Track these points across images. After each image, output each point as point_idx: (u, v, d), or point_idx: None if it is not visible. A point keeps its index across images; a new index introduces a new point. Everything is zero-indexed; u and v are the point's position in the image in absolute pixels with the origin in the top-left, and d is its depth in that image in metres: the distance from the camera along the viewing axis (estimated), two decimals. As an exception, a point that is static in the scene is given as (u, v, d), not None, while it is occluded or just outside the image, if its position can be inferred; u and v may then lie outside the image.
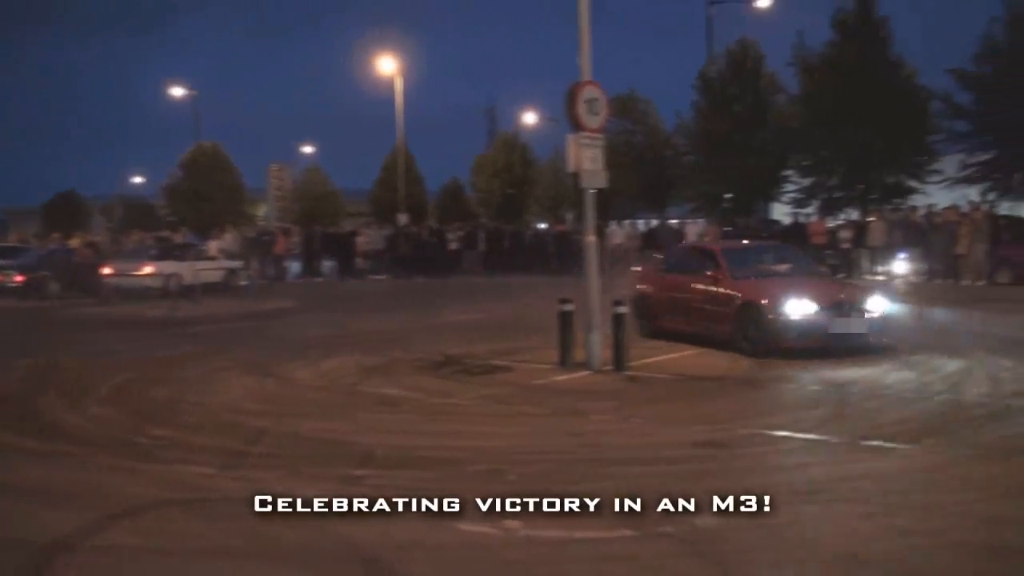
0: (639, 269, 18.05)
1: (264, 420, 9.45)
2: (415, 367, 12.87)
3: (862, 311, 13.17)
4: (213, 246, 32.52)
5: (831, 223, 32.67)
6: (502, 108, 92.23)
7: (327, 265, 36.76)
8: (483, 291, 26.33)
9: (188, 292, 25.17)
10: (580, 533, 5.78)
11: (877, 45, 34.66)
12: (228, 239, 34.28)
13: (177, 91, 54.41)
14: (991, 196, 31.57)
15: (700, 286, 14.38)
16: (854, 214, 34.17)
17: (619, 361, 11.92)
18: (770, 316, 12.91)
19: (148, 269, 27.20)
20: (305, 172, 60.49)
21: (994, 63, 32.53)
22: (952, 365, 12.00)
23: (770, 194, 39.44)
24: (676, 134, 42.69)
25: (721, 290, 13.93)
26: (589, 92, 12.10)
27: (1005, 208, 31.80)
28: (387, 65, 44.96)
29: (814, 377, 11.36)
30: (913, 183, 34.88)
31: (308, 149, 69.40)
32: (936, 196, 33.13)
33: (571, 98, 11.93)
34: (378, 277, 34.28)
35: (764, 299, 13.17)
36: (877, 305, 13.41)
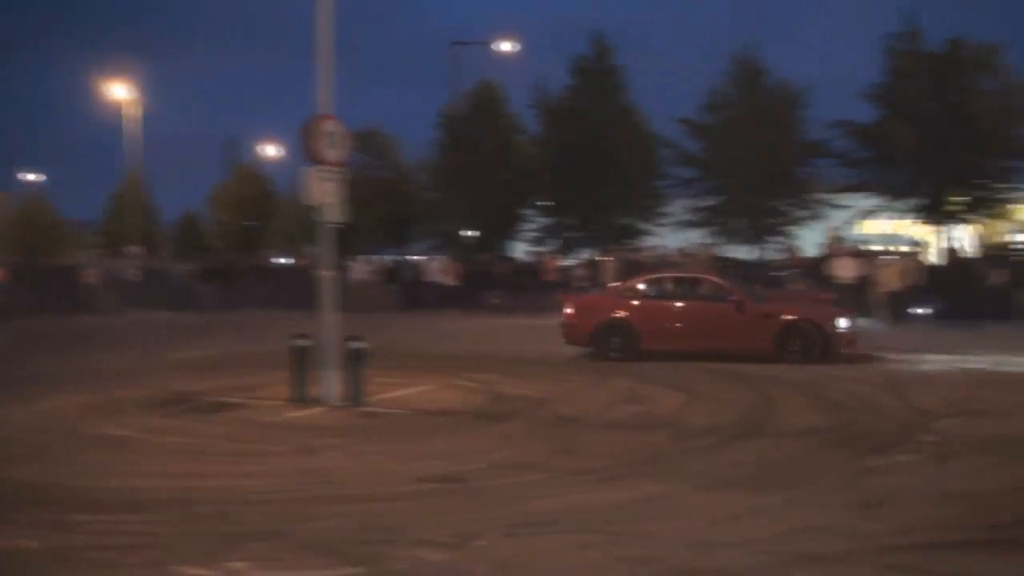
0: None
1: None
2: (142, 406, 12.32)
3: None
4: None
5: (568, 261, 33.65)
6: (244, 140, 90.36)
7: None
8: (220, 326, 25.61)
9: None
10: (310, 572, 5.70)
11: (612, 92, 36.21)
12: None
13: None
14: (715, 239, 33.41)
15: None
16: (590, 253, 35.41)
17: (355, 396, 11.84)
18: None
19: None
20: (26, 201, 57.33)
21: (718, 115, 34.63)
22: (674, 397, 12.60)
23: (510, 232, 40.29)
24: (418, 170, 42.97)
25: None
26: (328, 125, 12.01)
27: (728, 250, 33.80)
28: (118, 92, 43.24)
29: (549, 412, 11.65)
30: (645, 225, 36.57)
31: (31, 177, 65.63)
32: (666, 238, 34.85)
33: (309, 131, 11.82)
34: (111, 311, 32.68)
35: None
36: None
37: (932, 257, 28.22)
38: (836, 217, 33.50)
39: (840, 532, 6.44)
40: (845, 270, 22.34)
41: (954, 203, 32.25)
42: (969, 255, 25.90)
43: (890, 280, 22.27)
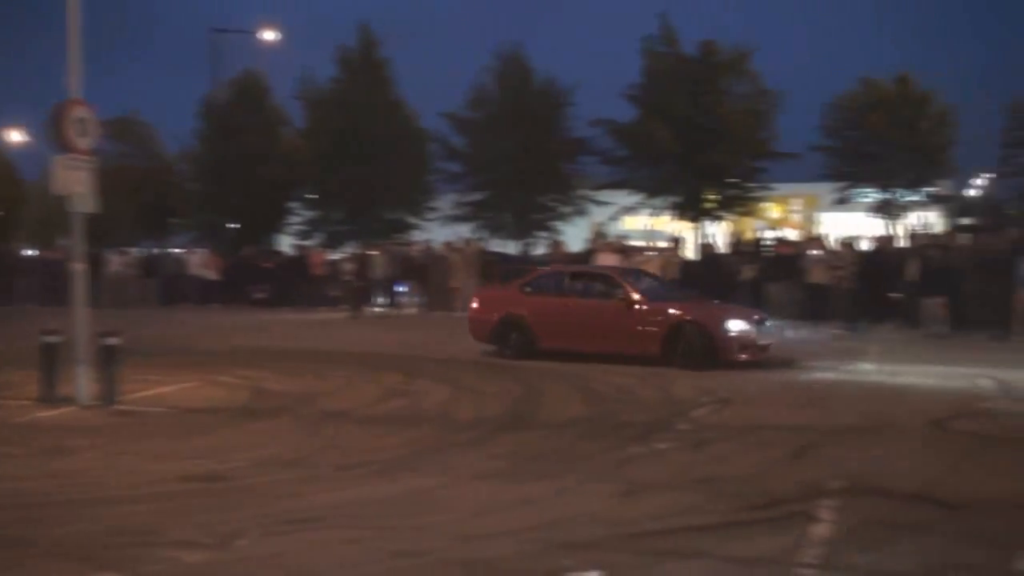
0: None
1: None
2: None
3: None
4: None
5: (335, 255, 33.31)
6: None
7: None
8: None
9: None
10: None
11: (379, 85, 36.05)
12: None
13: None
14: (481, 233, 33.83)
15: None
16: (356, 247, 35.16)
17: (109, 395, 11.32)
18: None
19: None
20: None
21: (483, 109, 35.07)
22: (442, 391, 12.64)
23: (276, 225, 39.50)
24: (179, 160, 41.61)
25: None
26: (78, 111, 11.43)
27: (494, 245, 34.26)
28: None
29: (315, 408, 11.47)
30: (413, 219, 36.63)
31: None
32: (434, 231, 35.00)
33: (57, 117, 11.21)
34: None
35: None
36: None
37: (688, 252, 29.38)
38: (599, 213, 34.58)
39: (601, 519, 6.59)
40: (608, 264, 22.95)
41: (708, 200, 33.79)
42: (721, 250, 27.06)
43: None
